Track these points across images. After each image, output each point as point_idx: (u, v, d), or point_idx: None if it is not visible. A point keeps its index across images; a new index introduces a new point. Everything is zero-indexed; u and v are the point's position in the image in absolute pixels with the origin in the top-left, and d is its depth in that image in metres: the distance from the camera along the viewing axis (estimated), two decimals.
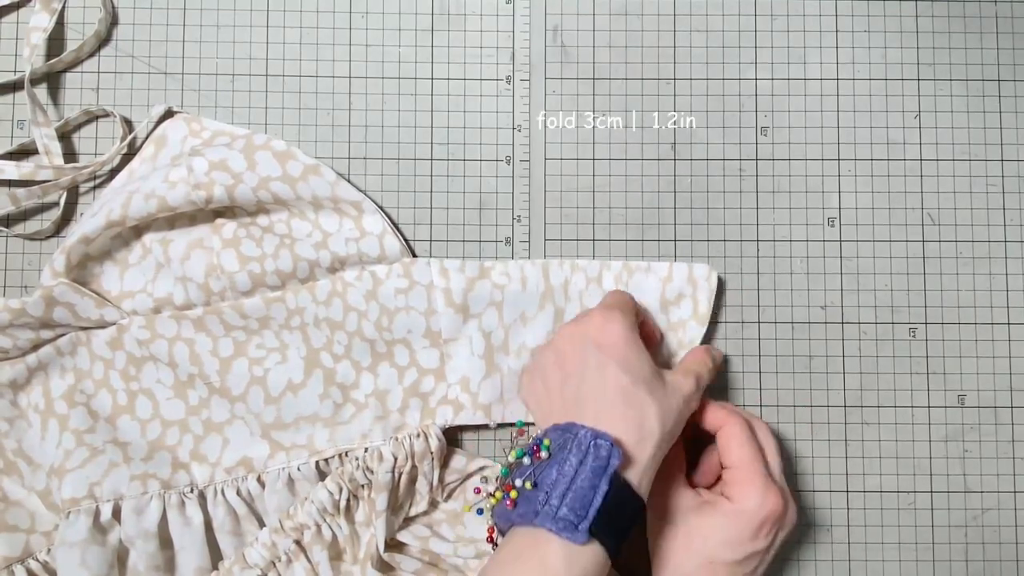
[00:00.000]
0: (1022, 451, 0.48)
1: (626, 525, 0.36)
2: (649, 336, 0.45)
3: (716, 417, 0.42)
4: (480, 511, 0.40)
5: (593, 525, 0.34)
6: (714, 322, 0.48)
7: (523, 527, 0.36)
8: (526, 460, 0.37)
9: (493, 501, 0.38)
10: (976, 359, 0.48)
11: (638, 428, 0.37)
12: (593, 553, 0.35)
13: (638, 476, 0.37)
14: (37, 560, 0.44)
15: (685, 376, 0.41)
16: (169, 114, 0.48)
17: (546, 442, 0.37)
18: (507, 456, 0.40)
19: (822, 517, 0.48)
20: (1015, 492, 0.48)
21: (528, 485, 0.36)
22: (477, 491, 0.42)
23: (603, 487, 0.35)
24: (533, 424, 0.44)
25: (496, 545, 0.39)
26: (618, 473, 0.36)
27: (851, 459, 0.48)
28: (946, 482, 0.48)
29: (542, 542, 0.35)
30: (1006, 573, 0.48)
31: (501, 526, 0.38)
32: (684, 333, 0.46)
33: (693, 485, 0.43)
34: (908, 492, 0.48)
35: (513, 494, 0.36)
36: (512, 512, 0.36)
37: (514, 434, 0.43)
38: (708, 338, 0.48)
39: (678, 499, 0.40)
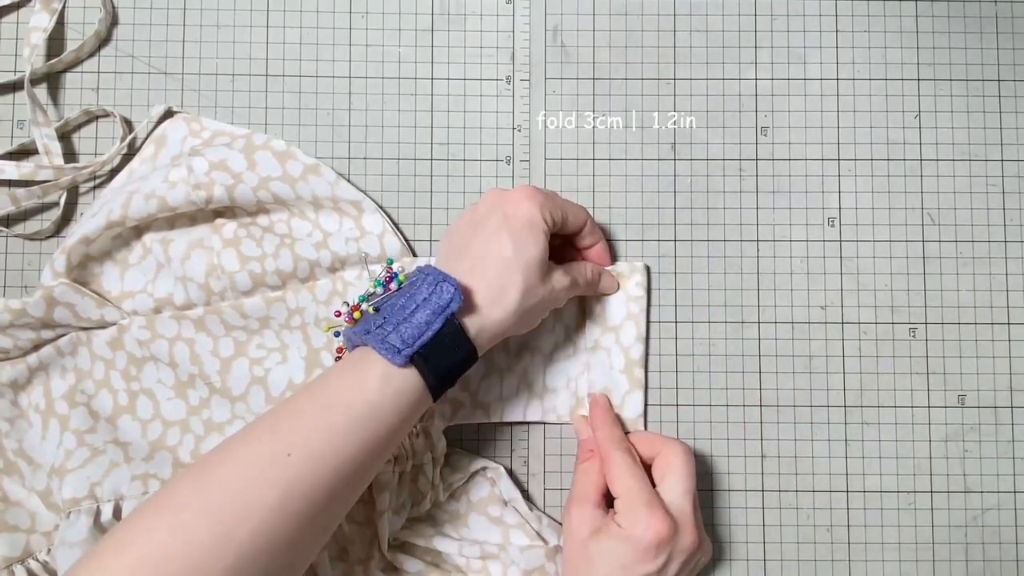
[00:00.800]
0: (1022, 451, 0.48)
1: (452, 365, 0.38)
2: (578, 246, 0.46)
3: (604, 451, 0.43)
4: (337, 333, 0.42)
5: (416, 354, 0.37)
6: (715, 322, 0.48)
7: (358, 347, 0.39)
8: (379, 290, 0.41)
9: (347, 324, 0.41)
10: (976, 359, 0.48)
11: (499, 293, 0.40)
12: (410, 378, 0.37)
13: (477, 329, 0.39)
14: (37, 560, 0.44)
15: (564, 273, 0.43)
16: (169, 114, 0.48)
17: (401, 276, 0.41)
18: (369, 286, 0.43)
19: (822, 517, 0.48)
20: (1015, 492, 0.48)
21: (371, 310, 0.39)
22: (337, 314, 0.43)
23: (436, 324, 0.37)
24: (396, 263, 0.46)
25: None
26: (455, 316, 0.38)
27: (851, 459, 0.48)
28: (946, 482, 0.48)
29: (368, 360, 0.37)
30: (1006, 573, 0.48)
31: (348, 347, 0.41)
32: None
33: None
34: (908, 492, 0.48)
35: (356, 315, 0.40)
36: (351, 329, 0.39)
37: (384, 268, 0.45)
38: (708, 338, 0.48)
39: (584, 522, 0.42)
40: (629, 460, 0.42)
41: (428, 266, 0.40)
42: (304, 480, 0.34)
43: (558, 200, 0.44)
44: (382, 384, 0.37)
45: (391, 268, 0.44)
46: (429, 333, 0.37)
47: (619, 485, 0.41)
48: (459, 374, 0.39)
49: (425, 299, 0.38)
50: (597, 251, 0.46)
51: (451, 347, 0.38)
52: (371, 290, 0.42)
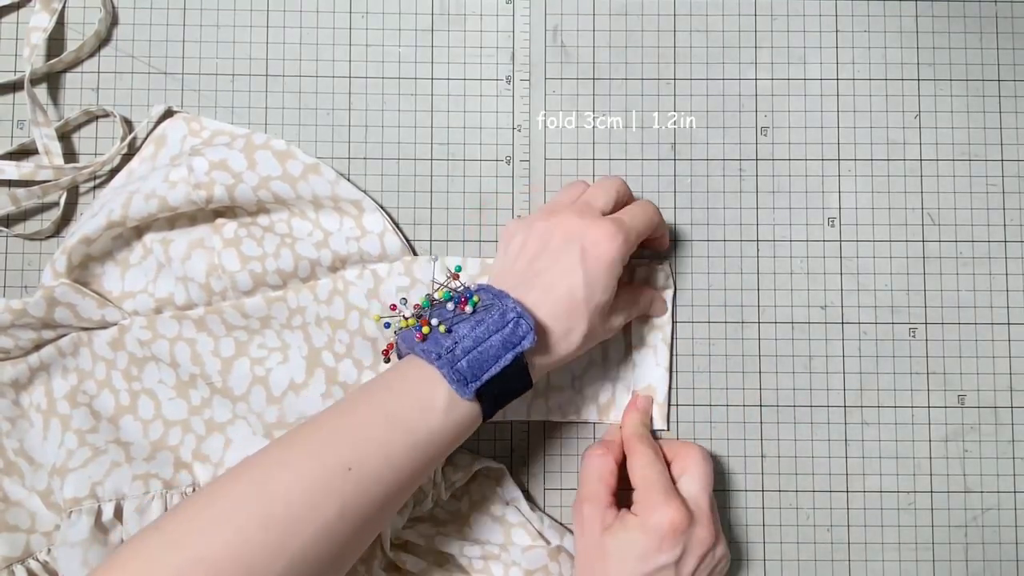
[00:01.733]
0: (1022, 451, 0.49)
1: (508, 398, 0.39)
2: (649, 243, 0.47)
3: (628, 443, 0.45)
4: (387, 324, 0.41)
5: (482, 387, 0.37)
6: (715, 322, 0.49)
7: (421, 361, 0.38)
8: (450, 305, 0.39)
9: (403, 324, 0.40)
10: (976, 359, 0.49)
11: (564, 334, 0.40)
12: (471, 410, 0.38)
13: (538, 365, 0.40)
14: (37, 560, 0.44)
15: (623, 314, 0.44)
16: (169, 114, 0.48)
17: (475, 299, 0.39)
18: (434, 292, 0.42)
19: (822, 517, 0.48)
20: (1015, 492, 0.48)
21: (443, 328, 0.38)
22: (393, 308, 0.43)
23: (506, 359, 0.37)
24: (457, 277, 0.45)
25: (388, 360, 0.42)
26: (524, 354, 0.38)
27: (851, 459, 0.48)
28: (946, 482, 0.48)
29: (434, 382, 0.37)
30: (1006, 573, 0.48)
31: (402, 349, 0.41)
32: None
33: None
34: (908, 492, 0.48)
35: (426, 329, 0.39)
36: (418, 344, 0.38)
37: (449, 275, 0.44)
38: (708, 338, 0.49)
39: (596, 519, 0.42)
40: (651, 453, 0.43)
41: (504, 294, 0.39)
42: (360, 496, 0.35)
43: (634, 230, 0.42)
44: (446, 412, 0.37)
45: (458, 276, 0.44)
46: (498, 368, 0.37)
47: (638, 475, 0.42)
48: (511, 401, 0.40)
49: (498, 330, 0.37)
50: (660, 240, 0.47)
51: (513, 381, 0.38)
52: (438, 300, 0.41)
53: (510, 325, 0.38)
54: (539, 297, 0.40)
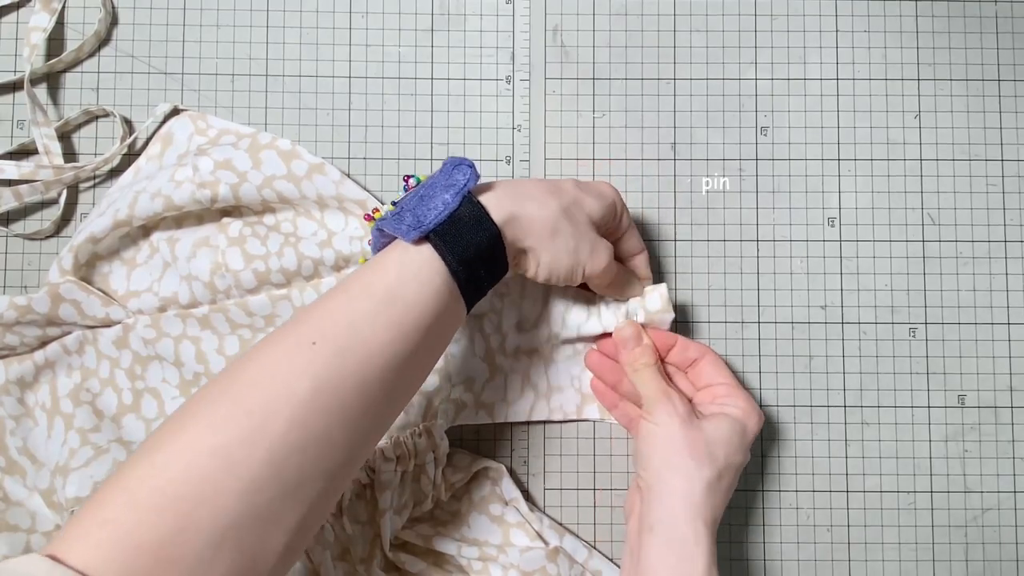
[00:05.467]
0: (1022, 451, 0.49)
1: (475, 248, 0.38)
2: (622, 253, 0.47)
3: (692, 348, 0.46)
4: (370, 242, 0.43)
5: (433, 233, 0.37)
6: (715, 322, 0.50)
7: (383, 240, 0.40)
8: (401, 194, 0.41)
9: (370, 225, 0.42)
10: (976, 359, 0.50)
11: (539, 195, 0.40)
12: (430, 260, 0.37)
13: (506, 212, 0.39)
14: None
15: (610, 248, 0.43)
16: (175, 112, 0.49)
17: (420, 176, 0.41)
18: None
19: (822, 517, 0.49)
20: (1015, 492, 0.49)
21: (390, 206, 0.40)
22: (366, 217, 0.44)
23: (452, 203, 0.37)
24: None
25: None
26: (472, 195, 0.38)
27: (851, 459, 0.49)
28: (946, 482, 0.49)
29: (389, 248, 0.38)
30: (1006, 573, 0.49)
31: (374, 253, 0.41)
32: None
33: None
34: (908, 492, 0.49)
35: (377, 214, 0.41)
36: (371, 231, 0.40)
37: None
38: (708, 338, 0.49)
39: (680, 406, 0.42)
40: (720, 358, 0.46)
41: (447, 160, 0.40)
42: (331, 370, 0.34)
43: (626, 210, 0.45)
44: (400, 266, 0.37)
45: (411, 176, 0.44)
46: (445, 211, 0.37)
47: (724, 374, 0.45)
48: (487, 264, 0.39)
49: (441, 184, 0.38)
50: (640, 261, 0.47)
51: (472, 228, 0.38)
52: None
53: (451, 175, 0.38)
54: (521, 183, 0.41)
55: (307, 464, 0.33)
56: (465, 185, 0.38)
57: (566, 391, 0.49)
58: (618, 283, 0.45)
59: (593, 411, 0.49)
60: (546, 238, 0.40)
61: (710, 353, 0.45)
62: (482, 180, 0.41)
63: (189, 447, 0.32)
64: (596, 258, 0.42)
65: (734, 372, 0.46)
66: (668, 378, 0.45)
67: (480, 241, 0.38)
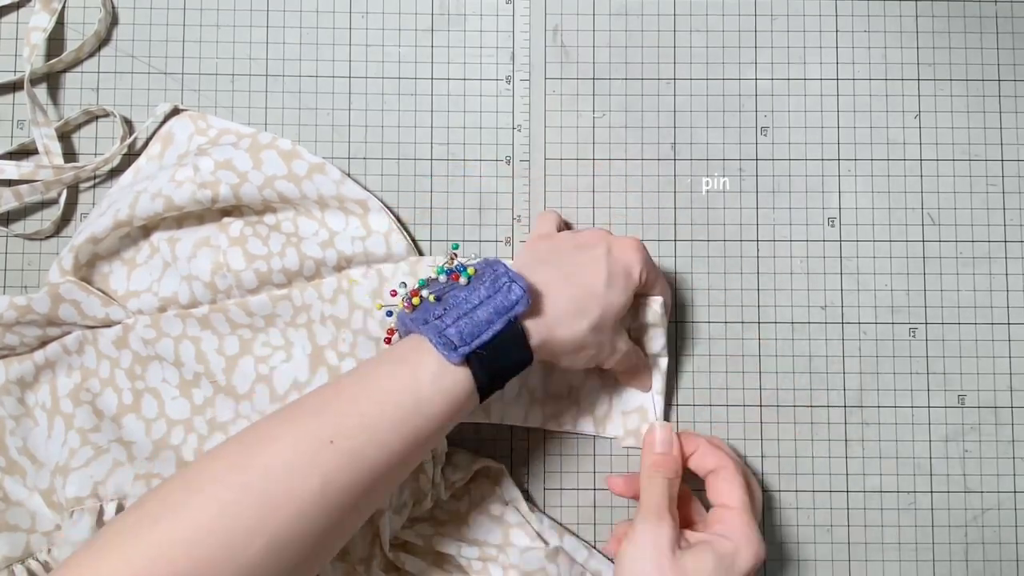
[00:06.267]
0: (1022, 451, 0.50)
1: (505, 368, 0.38)
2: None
3: (711, 458, 0.44)
4: (389, 313, 0.42)
5: (472, 354, 0.37)
6: (715, 322, 0.50)
7: (414, 335, 0.38)
8: (442, 278, 0.40)
9: (400, 306, 0.40)
10: (976, 359, 0.50)
11: (575, 314, 0.40)
12: (462, 377, 0.37)
13: (540, 340, 0.39)
14: (37, 560, 0.45)
15: (628, 342, 0.44)
16: (175, 112, 0.49)
17: (469, 271, 0.40)
18: (431, 272, 0.42)
19: (822, 517, 0.49)
20: (1015, 492, 0.50)
21: (432, 298, 0.39)
22: (393, 293, 0.43)
23: (497, 326, 0.37)
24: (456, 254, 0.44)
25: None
26: (518, 320, 0.38)
27: (851, 459, 0.49)
28: (946, 482, 0.49)
29: (422, 350, 0.37)
30: (1006, 573, 0.49)
31: (401, 331, 0.41)
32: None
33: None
34: (908, 492, 0.49)
35: (416, 300, 0.39)
36: (407, 316, 0.39)
37: (449, 255, 0.44)
38: (708, 338, 0.50)
39: (666, 535, 0.41)
40: (740, 473, 0.43)
41: (499, 262, 0.40)
42: (342, 471, 0.34)
43: (654, 266, 0.45)
44: (433, 380, 0.36)
45: (456, 254, 0.43)
46: (489, 333, 0.37)
47: (734, 496, 0.42)
48: (511, 377, 0.39)
49: (490, 296, 0.38)
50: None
51: (508, 351, 0.38)
52: (433, 276, 0.41)
53: (502, 290, 0.38)
54: (554, 274, 0.40)
55: (306, 550, 0.34)
56: (514, 309, 0.37)
57: (562, 401, 0.49)
58: (633, 372, 0.46)
59: (588, 425, 0.49)
60: (570, 353, 0.41)
61: (730, 467, 0.43)
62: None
63: (192, 525, 0.32)
64: (616, 355, 0.43)
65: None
66: (675, 500, 0.43)
67: (515, 362, 0.38)
